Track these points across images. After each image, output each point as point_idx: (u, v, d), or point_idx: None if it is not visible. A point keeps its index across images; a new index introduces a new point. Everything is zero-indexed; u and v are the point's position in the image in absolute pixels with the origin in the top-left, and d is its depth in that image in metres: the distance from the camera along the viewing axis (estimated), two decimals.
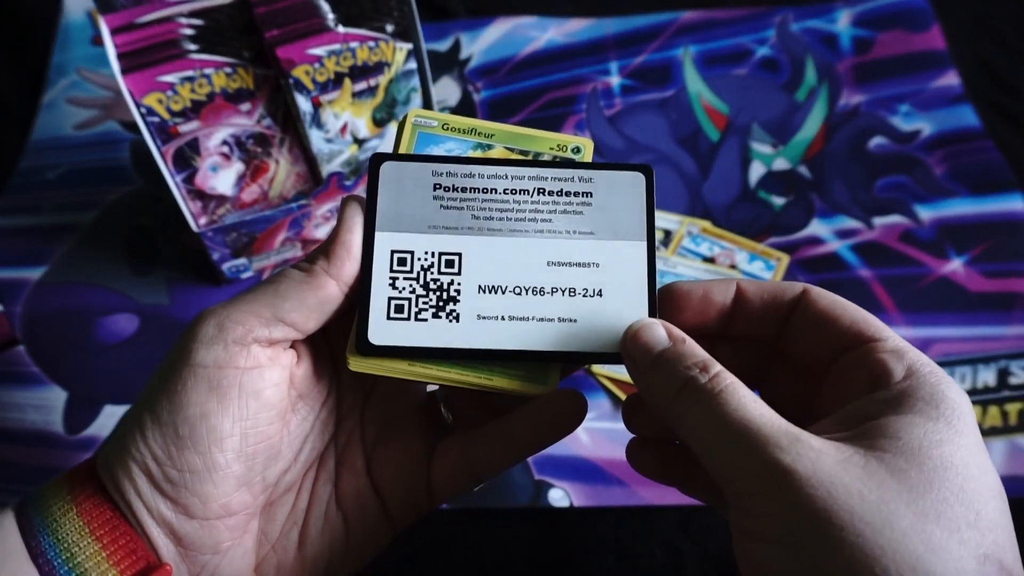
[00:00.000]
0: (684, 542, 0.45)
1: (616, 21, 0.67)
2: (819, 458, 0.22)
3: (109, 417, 0.48)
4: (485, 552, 0.44)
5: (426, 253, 0.30)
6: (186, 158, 0.47)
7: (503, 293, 0.30)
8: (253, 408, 0.27)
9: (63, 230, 0.56)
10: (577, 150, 0.33)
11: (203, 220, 0.50)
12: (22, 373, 0.50)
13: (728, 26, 0.67)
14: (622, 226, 0.30)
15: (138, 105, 0.44)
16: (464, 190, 0.31)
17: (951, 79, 0.63)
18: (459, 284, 0.30)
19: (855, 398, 0.25)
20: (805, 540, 0.22)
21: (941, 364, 0.52)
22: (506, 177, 0.31)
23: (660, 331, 0.27)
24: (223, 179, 0.49)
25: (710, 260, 0.54)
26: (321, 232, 0.52)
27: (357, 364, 0.29)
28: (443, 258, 0.30)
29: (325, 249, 0.29)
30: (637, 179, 0.31)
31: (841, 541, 0.21)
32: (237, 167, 0.49)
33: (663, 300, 0.29)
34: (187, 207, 0.47)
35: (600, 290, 0.30)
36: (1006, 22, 0.67)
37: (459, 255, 0.30)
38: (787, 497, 0.22)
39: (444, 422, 0.33)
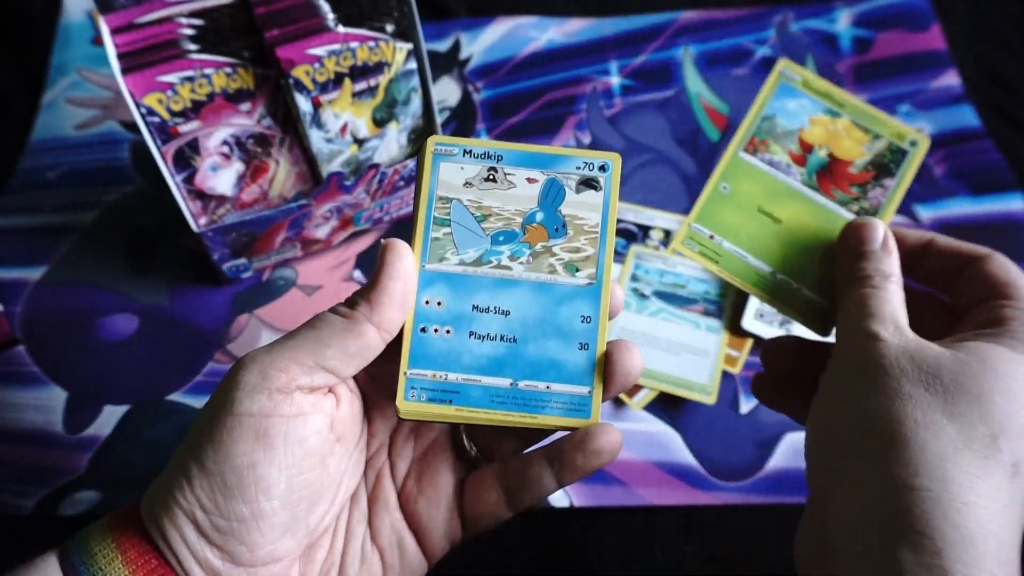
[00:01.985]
0: (684, 542, 0.45)
1: (616, 21, 0.67)
2: (906, 339, 0.28)
3: (109, 417, 0.48)
4: (485, 552, 0.44)
5: None
6: (186, 158, 0.47)
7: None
8: (298, 455, 0.28)
9: (63, 230, 0.56)
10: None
11: (203, 220, 0.50)
12: (22, 373, 0.50)
13: (728, 26, 0.67)
14: None
15: (138, 105, 0.44)
16: None
17: (951, 79, 0.63)
18: None
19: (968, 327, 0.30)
20: (869, 390, 0.27)
21: None
22: None
23: (879, 233, 0.31)
24: (223, 179, 0.49)
25: None
26: (321, 232, 0.52)
27: (407, 412, 0.30)
28: None
29: (366, 295, 0.29)
30: None
31: (895, 391, 0.27)
32: (237, 167, 0.49)
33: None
34: (187, 207, 0.47)
35: None
36: (1006, 22, 0.67)
37: None
38: (873, 356, 0.28)
39: (468, 454, 0.33)
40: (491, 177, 0.32)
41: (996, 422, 0.26)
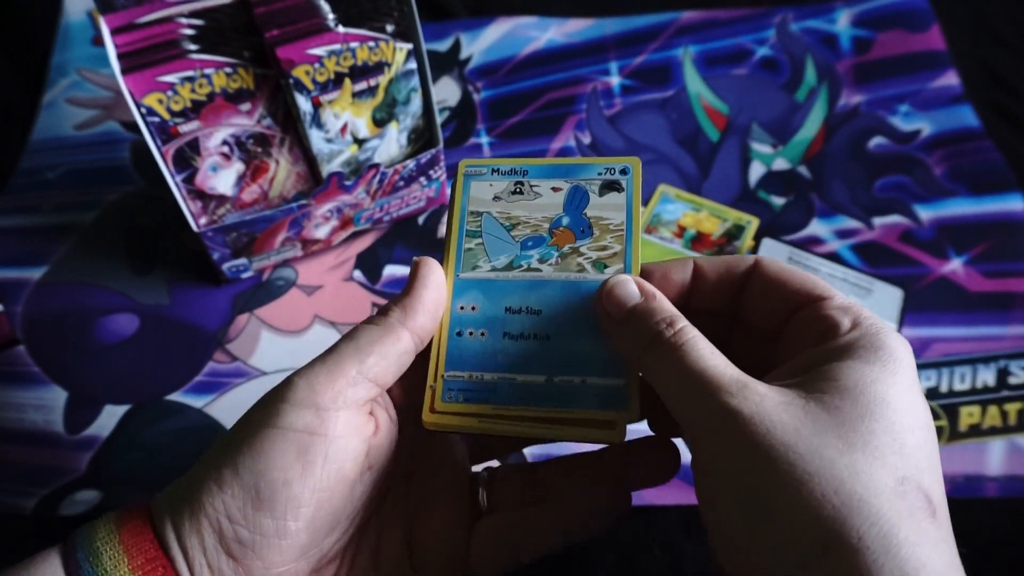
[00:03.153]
0: (684, 542, 0.45)
1: (616, 21, 0.67)
2: (762, 400, 0.24)
3: (109, 417, 0.48)
4: None
5: None
6: (186, 158, 0.47)
7: None
8: (333, 479, 0.28)
9: (63, 230, 0.56)
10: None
11: (203, 220, 0.50)
12: (22, 373, 0.50)
13: (728, 26, 0.67)
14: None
15: (138, 105, 0.44)
16: None
17: (951, 79, 0.63)
18: None
19: (805, 350, 0.27)
20: (746, 471, 0.24)
21: (941, 364, 0.52)
22: None
23: (632, 287, 0.29)
24: (223, 179, 0.49)
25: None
26: (321, 232, 0.52)
27: (432, 421, 0.30)
28: None
29: (400, 302, 0.30)
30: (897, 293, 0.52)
31: (776, 470, 0.23)
32: (237, 167, 0.49)
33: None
34: (187, 207, 0.47)
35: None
36: (1006, 22, 0.67)
37: None
38: (732, 435, 0.24)
39: (480, 505, 0.33)
40: (518, 190, 0.33)
41: (894, 467, 0.23)
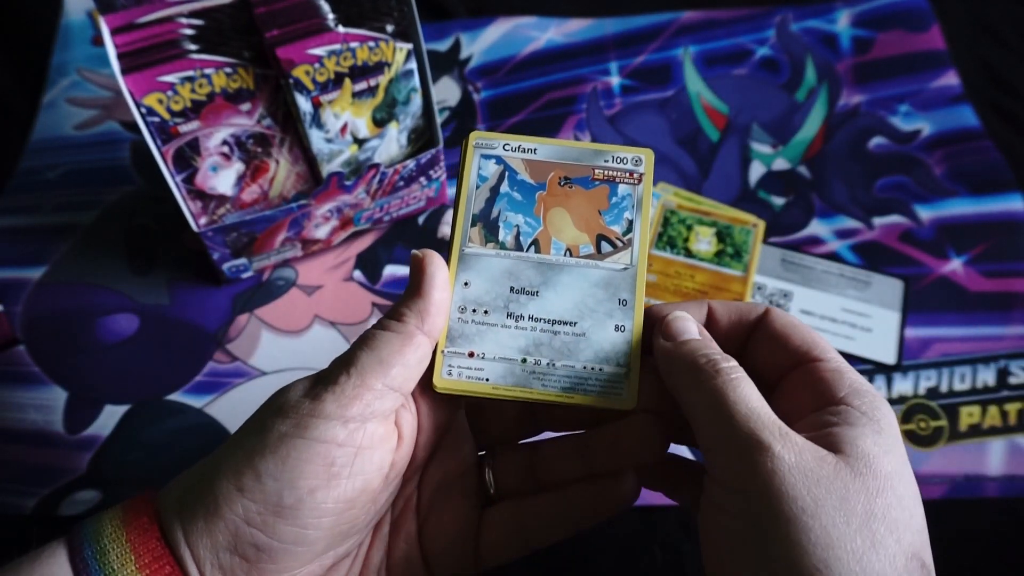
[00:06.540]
0: (684, 542, 0.45)
1: (616, 21, 0.67)
2: (801, 452, 0.25)
3: (109, 417, 0.48)
4: None
5: None
6: (186, 158, 0.47)
7: None
8: (356, 490, 0.28)
9: (63, 230, 0.56)
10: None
11: (203, 220, 0.50)
12: (22, 373, 0.50)
13: (728, 26, 0.67)
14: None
15: (138, 105, 0.44)
16: None
17: (951, 79, 0.63)
18: None
19: (804, 409, 0.28)
20: (767, 517, 0.24)
21: (941, 364, 0.52)
22: None
23: (693, 325, 0.30)
24: (223, 179, 0.49)
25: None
26: (321, 232, 0.52)
27: (444, 386, 0.30)
28: None
29: (415, 307, 0.29)
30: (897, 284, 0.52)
31: (800, 523, 0.24)
32: (237, 167, 0.49)
33: (647, 320, 0.32)
34: (187, 207, 0.47)
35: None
36: (1006, 22, 0.67)
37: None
38: (767, 478, 0.25)
39: (487, 489, 0.33)
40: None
41: (908, 543, 0.25)
